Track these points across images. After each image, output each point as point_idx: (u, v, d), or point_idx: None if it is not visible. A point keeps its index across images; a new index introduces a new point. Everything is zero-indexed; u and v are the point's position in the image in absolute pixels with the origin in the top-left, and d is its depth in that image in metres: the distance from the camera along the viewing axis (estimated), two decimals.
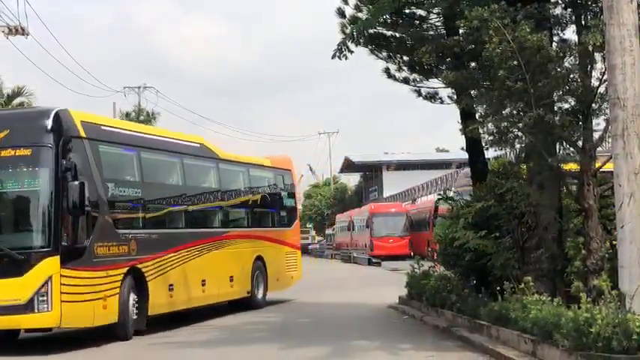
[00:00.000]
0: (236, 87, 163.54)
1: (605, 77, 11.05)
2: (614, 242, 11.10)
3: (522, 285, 11.81)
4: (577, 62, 12.08)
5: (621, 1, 10.11)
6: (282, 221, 23.11)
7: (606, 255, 11.67)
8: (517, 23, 11.48)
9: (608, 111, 10.92)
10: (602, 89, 11.69)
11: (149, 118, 61.00)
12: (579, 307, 9.87)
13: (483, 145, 14.92)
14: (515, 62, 11.54)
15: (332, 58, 13.94)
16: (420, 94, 17.67)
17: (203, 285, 17.68)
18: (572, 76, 11.98)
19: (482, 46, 11.87)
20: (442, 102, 17.44)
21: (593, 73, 12.06)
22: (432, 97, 17.61)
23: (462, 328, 14.08)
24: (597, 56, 11.85)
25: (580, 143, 12.08)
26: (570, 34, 13.11)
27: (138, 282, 15.18)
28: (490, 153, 16.28)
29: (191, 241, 17.37)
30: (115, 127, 16.11)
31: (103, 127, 15.38)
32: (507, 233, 13.99)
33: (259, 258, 20.81)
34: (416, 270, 19.01)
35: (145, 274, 15.40)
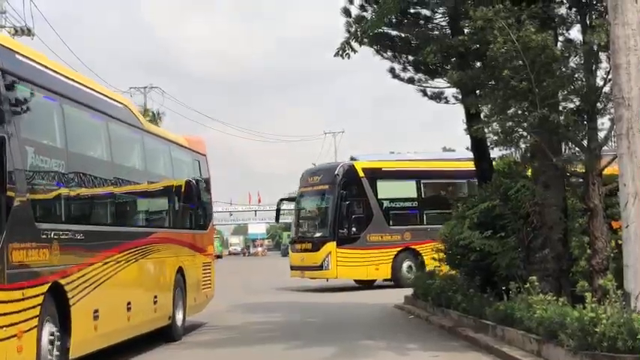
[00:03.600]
0: (244, 87, 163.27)
1: (609, 76, 11.05)
2: (619, 241, 11.09)
3: (527, 285, 11.79)
4: (582, 62, 12.07)
5: (626, 1, 10.09)
6: (199, 222, 18.10)
7: (611, 254, 11.66)
8: (521, 23, 11.49)
9: (613, 110, 10.91)
10: (607, 89, 11.67)
11: (155, 119, 61.34)
12: (584, 307, 9.88)
13: (488, 144, 14.95)
14: (519, 62, 11.52)
15: (334, 56, 13.94)
16: (425, 93, 17.78)
17: (129, 310, 12.58)
18: (576, 75, 11.98)
19: (486, 46, 11.88)
20: (447, 102, 17.54)
21: (598, 73, 12.05)
22: (438, 97, 17.70)
23: (468, 328, 14.07)
24: (602, 56, 11.84)
25: (585, 143, 12.07)
26: (575, 33, 13.13)
27: (57, 306, 9.99)
28: (496, 152, 16.31)
29: (118, 245, 12.37)
30: (33, 60, 10.44)
31: (18, 57, 9.92)
32: (512, 233, 13.96)
33: (180, 271, 15.69)
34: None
35: (68, 294, 10.21)
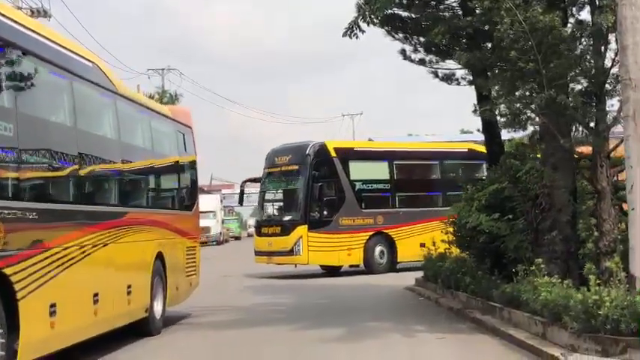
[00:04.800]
0: (263, 70, 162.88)
1: (617, 58, 10.96)
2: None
3: (533, 267, 11.75)
4: (591, 43, 11.97)
5: None
6: (182, 202, 16.31)
7: (619, 237, 11.58)
8: (529, 3, 11.40)
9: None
10: (615, 70, 11.55)
11: (172, 101, 61.59)
12: (589, 290, 9.84)
13: (499, 126, 14.86)
14: (528, 43, 11.44)
15: (342, 36, 13.87)
16: (436, 75, 17.68)
17: (95, 303, 10.70)
18: (585, 56, 11.87)
19: (494, 26, 11.81)
20: (459, 83, 17.41)
21: (608, 54, 11.94)
22: (449, 78, 17.59)
23: (475, 310, 14.06)
24: (612, 37, 11.72)
25: (593, 125, 11.98)
26: (586, 14, 13.01)
27: (2, 301, 8.38)
28: (507, 134, 16.22)
29: (83, 227, 10.53)
30: None
31: None
32: (521, 215, 13.91)
33: (159, 256, 13.90)
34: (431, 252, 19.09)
35: (15, 286, 8.52)
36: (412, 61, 17.23)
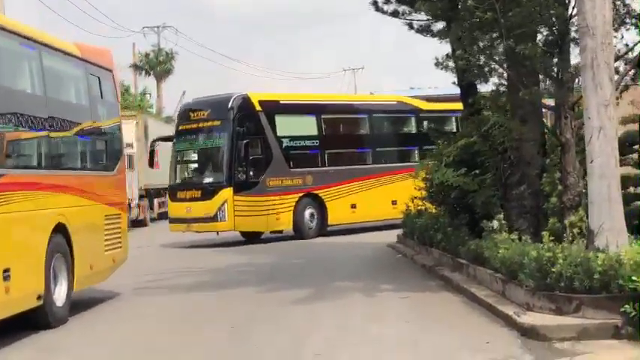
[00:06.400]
0: (264, 22, 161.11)
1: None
2: None
3: (496, 222, 11.47)
4: None
5: None
6: (98, 160, 13.61)
7: (583, 190, 11.25)
8: None
9: None
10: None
11: (168, 58, 61.10)
12: (543, 245, 9.57)
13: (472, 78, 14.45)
14: None
15: None
16: (411, 27, 17.16)
17: None
18: (546, 4, 11.42)
19: None
20: (434, 35, 16.92)
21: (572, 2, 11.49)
22: (424, 30, 17.07)
23: (446, 266, 13.82)
24: None
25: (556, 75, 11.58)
26: None
27: None
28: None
29: None
30: None
31: None
32: (492, 170, 13.58)
33: (60, 229, 11.18)
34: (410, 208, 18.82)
35: None
36: (385, 12, 16.73)
